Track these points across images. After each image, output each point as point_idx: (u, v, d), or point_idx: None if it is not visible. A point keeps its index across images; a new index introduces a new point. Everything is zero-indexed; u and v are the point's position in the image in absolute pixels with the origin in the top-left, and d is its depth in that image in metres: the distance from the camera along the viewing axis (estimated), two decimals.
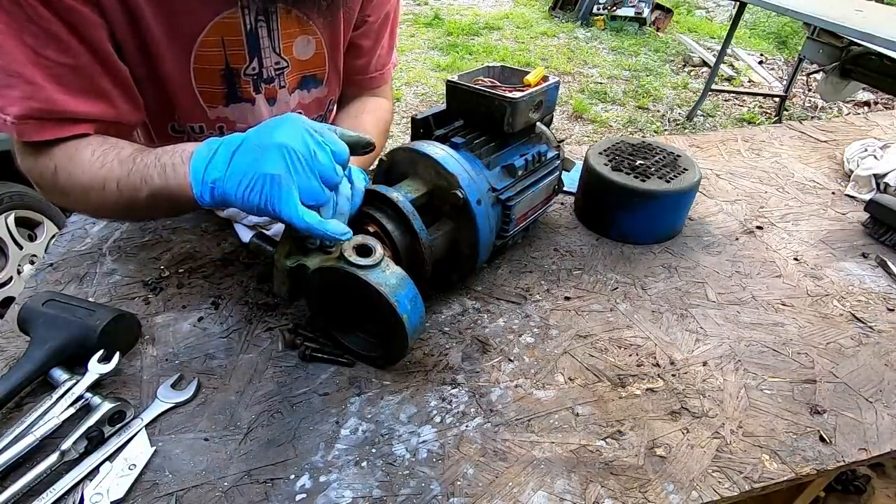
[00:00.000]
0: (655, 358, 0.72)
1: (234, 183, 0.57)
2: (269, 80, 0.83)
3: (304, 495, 0.54)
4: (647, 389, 0.67)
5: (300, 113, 0.92)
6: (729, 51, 4.67)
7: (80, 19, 0.62)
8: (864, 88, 4.13)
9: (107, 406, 0.57)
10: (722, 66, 4.49)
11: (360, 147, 0.65)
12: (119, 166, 0.64)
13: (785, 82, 4.20)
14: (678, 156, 0.98)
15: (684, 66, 5.12)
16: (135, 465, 0.55)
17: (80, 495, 0.52)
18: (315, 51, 0.86)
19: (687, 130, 3.89)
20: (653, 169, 0.93)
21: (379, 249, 0.62)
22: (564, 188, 0.96)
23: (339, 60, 0.91)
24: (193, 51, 0.73)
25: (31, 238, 1.90)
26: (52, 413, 0.57)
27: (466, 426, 0.62)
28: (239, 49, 0.77)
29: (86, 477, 0.54)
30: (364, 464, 0.57)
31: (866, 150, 1.18)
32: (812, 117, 4.22)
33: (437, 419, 0.62)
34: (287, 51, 0.82)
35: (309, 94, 0.91)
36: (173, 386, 0.63)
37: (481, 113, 0.78)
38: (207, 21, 0.72)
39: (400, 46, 4.94)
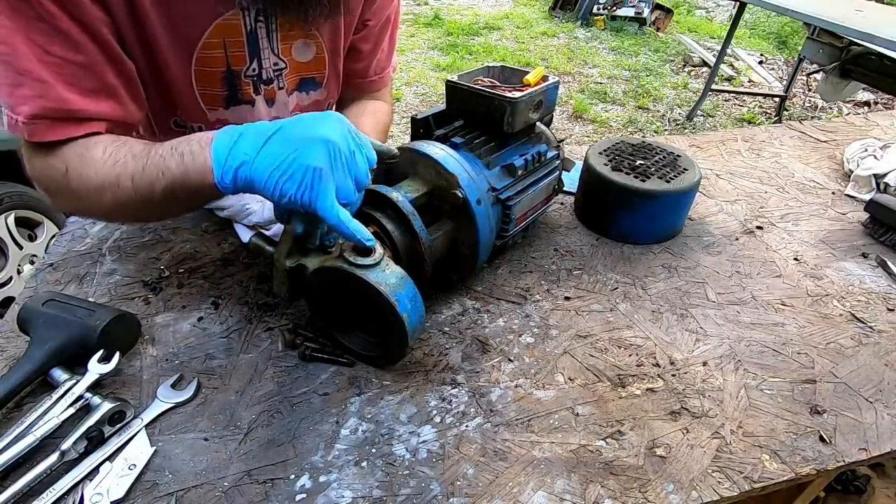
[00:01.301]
0: (655, 358, 0.72)
1: (266, 168, 0.56)
2: (269, 81, 0.83)
3: (304, 495, 0.54)
4: (647, 389, 0.67)
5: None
6: (729, 51, 4.67)
7: (88, 16, 0.62)
8: (864, 88, 4.13)
9: (107, 406, 0.57)
10: (722, 66, 4.49)
11: (385, 157, 0.66)
12: (133, 161, 0.63)
13: (785, 82, 4.20)
14: (678, 156, 0.98)
15: (684, 66, 5.12)
16: (135, 465, 0.55)
17: (80, 495, 0.52)
18: (315, 54, 0.86)
19: (687, 130, 3.89)
20: (653, 169, 0.93)
21: (378, 248, 0.62)
22: (564, 188, 0.96)
23: (338, 64, 0.91)
24: (195, 53, 0.73)
25: (31, 238, 1.90)
26: (52, 413, 0.57)
27: (466, 426, 0.62)
28: (239, 50, 0.77)
29: (86, 477, 0.54)
30: (364, 464, 0.57)
31: (866, 150, 1.18)
32: (812, 117, 4.23)
33: (437, 419, 0.62)
34: (285, 52, 0.82)
35: (307, 96, 0.91)
36: (173, 386, 0.63)
37: (481, 113, 0.78)
38: (209, 23, 0.72)
39: (400, 46, 4.94)
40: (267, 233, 0.77)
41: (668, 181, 0.90)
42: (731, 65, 5.11)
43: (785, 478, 0.58)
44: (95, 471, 0.54)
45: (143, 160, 0.63)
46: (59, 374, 0.61)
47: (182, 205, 0.69)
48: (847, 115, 4.01)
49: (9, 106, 0.63)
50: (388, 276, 0.60)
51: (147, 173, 0.63)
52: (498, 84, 0.84)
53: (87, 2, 0.61)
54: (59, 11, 0.60)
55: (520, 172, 0.79)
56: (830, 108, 4.35)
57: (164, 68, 0.73)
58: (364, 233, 0.59)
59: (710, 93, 3.99)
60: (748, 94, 4.46)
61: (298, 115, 0.60)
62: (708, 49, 5.31)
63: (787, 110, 4.17)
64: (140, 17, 0.67)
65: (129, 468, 0.54)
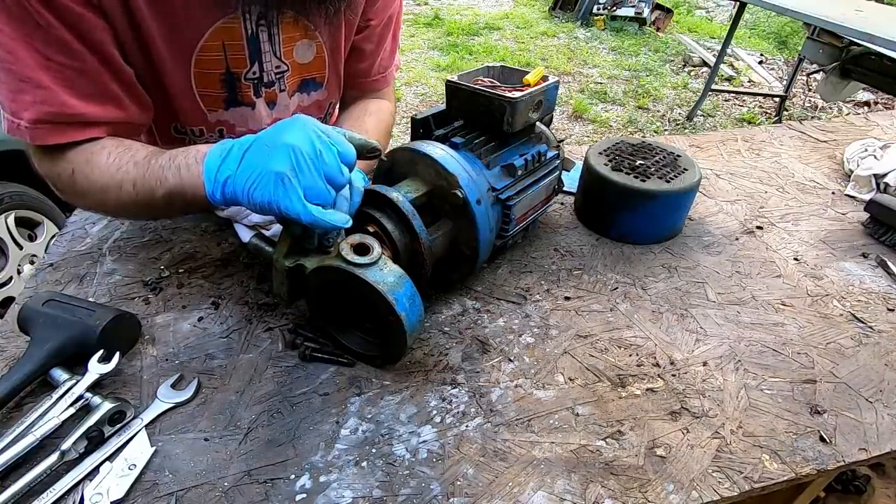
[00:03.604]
0: (655, 358, 0.72)
1: (242, 181, 0.58)
2: (270, 83, 0.83)
3: (304, 495, 0.54)
4: (647, 389, 0.67)
5: None
6: (729, 51, 4.67)
7: (86, 24, 0.63)
8: (864, 88, 4.13)
9: (107, 406, 0.57)
10: (722, 66, 4.49)
11: (366, 151, 0.66)
12: (135, 168, 0.66)
13: (785, 82, 4.20)
14: (678, 156, 0.98)
15: (684, 66, 5.12)
16: (135, 465, 0.55)
17: (80, 495, 0.52)
18: (315, 55, 0.86)
19: (687, 130, 3.89)
20: (653, 169, 0.93)
21: (377, 248, 0.62)
22: (564, 188, 0.96)
23: (339, 64, 0.91)
24: (194, 55, 0.73)
25: (31, 238, 1.90)
26: (52, 413, 0.57)
27: (466, 426, 0.62)
28: (239, 53, 0.77)
29: (86, 477, 0.54)
30: (364, 464, 0.57)
31: (866, 150, 1.18)
32: (812, 117, 4.22)
33: (437, 419, 0.62)
34: (287, 55, 0.82)
35: (308, 97, 0.91)
36: (173, 386, 0.63)
37: (481, 113, 0.78)
38: (208, 26, 0.72)
39: (400, 46, 4.94)
40: (267, 233, 0.77)
41: (668, 181, 0.90)
42: (731, 65, 5.11)
43: (785, 478, 0.58)
44: (95, 471, 0.54)
45: (144, 168, 0.66)
46: (59, 374, 0.61)
47: (182, 210, 0.72)
48: (847, 115, 4.01)
49: (11, 111, 0.65)
50: (385, 275, 0.60)
51: (147, 181, 0.65)
52: (498, 84, 0.84)
53: (84, 10, 0.62)
54: (56, 21, 0.61)
55: (520, 172, 0.79)
56: (830, 108, 4.35)
57: (162, 72, 0.73)
58: (341, 219, 0.59)
59: (710, 93, 3.99)
60: (748, 94, 4.46)
61: (262, 125, 0.61)
62: (708, 49, 5.31)
63: (787, 110, 4.17)
64: (137, 22, 0.67)
65: (129, 468, 0.54)
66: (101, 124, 0.69)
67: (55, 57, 0.62)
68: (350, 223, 0.60)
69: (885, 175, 1.09)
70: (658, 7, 6.05)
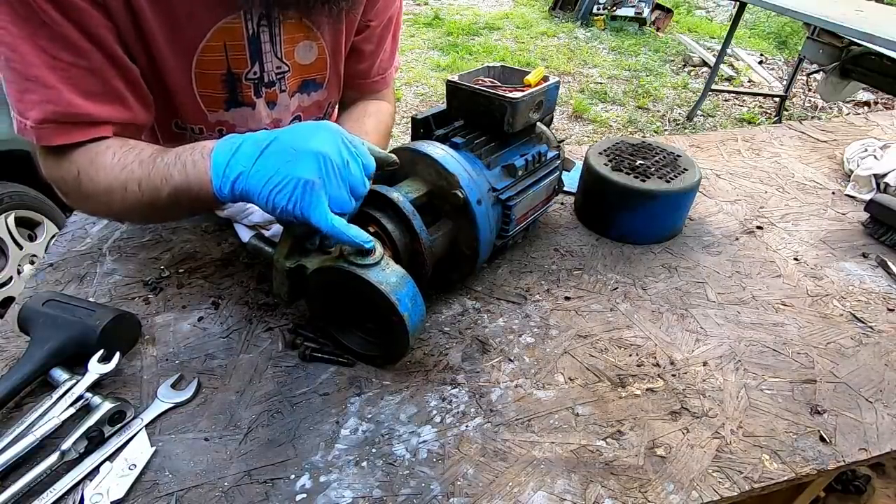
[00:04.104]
0: (655, 358, 0.72)
1: (260, 180, 0.57)
2: (270, 84, 0.83)
3: (304, 495, 0.54)
4: (647, 389, 0.67)
5: (299, 116, 0.92)
6: (729, 51, 4.67)
7: (91, 22, 0.63)
8: (864, 88, 4.13)
9: (107, 406, 0.57)
10: (722, 66, 4.49)
11: (385, 164, 0.67)
12: (140, 167, 0.65)
13: (785, 82, 4.20)
14: (678, 156, 0.98)
15: (684, 66, 5.12)
16: (135, 465, 0.55)
17: (80, 495, 0.52)
18: (317, 55, 0.85)
19: (687, 130, 3.89)
20: (653, 169, 0.93)
21: (378, 248, 0.62)
22: (564, 188, 0.96)
23: (339, 64, 0.91)
24: (195, 56, 0.73)
25: (31, 238, 1.90)
26: (52, 413, 0.57)
27: (466, 426, 0.62)
28: (241, 54, 0.77)
29: (86, 477, 0.54)
30: (364, 464, 0.57)
31: (866, 150, 1.19)
32: (812, 117, 4.22)
33: (437, 419, 0.62)
34: (289, 55, 0.82)
35: (309, 97, 0.91)
36: (173, 386, 0.63)
37: (481, 113, 0.78)
38: (210, 27, 0.72)
39: (400, 46, 4.94)
40: (266, 233, 0.77)
41: (668, 181, 0.90)
42: (731, 65, 5.11)
43: (785, 478, 0.58)
44: (95, 471, 0.54)
45: (149, 167, 0.65)
46: (59, 374, 0.61)
47: (187, 210, 0.71)
48: (847, 115, 4.01)
49: (18, 111, 0.65)
50: (388, 276, 0.60)
51: (153, 179, 0.64)
52: (498, 84, 0.84)
53: (89, 8, 0.62)
54: (62, 18, 0.60)
55: (520, 173, 0.79)
56: (830, 108, 4.35)
57: (163, 70, 0.73)
58: (362, 236, 0.59)
59: (710, 93, 3.99)
60: (748, 94, 4.46)
61: (294, 124, 0.61)
62: (708, 49, 5.31)
63: (787, 110, 4.17)
64: (139, 21, 0.67)
65: (129, 468, 0.54)
66: (107, 124, 0.68)
67: (61, 55, 0.62)
68: (372, 244, 0.60)
69: (885, 175, 1.09)
70: (658, 7, 6.05)
